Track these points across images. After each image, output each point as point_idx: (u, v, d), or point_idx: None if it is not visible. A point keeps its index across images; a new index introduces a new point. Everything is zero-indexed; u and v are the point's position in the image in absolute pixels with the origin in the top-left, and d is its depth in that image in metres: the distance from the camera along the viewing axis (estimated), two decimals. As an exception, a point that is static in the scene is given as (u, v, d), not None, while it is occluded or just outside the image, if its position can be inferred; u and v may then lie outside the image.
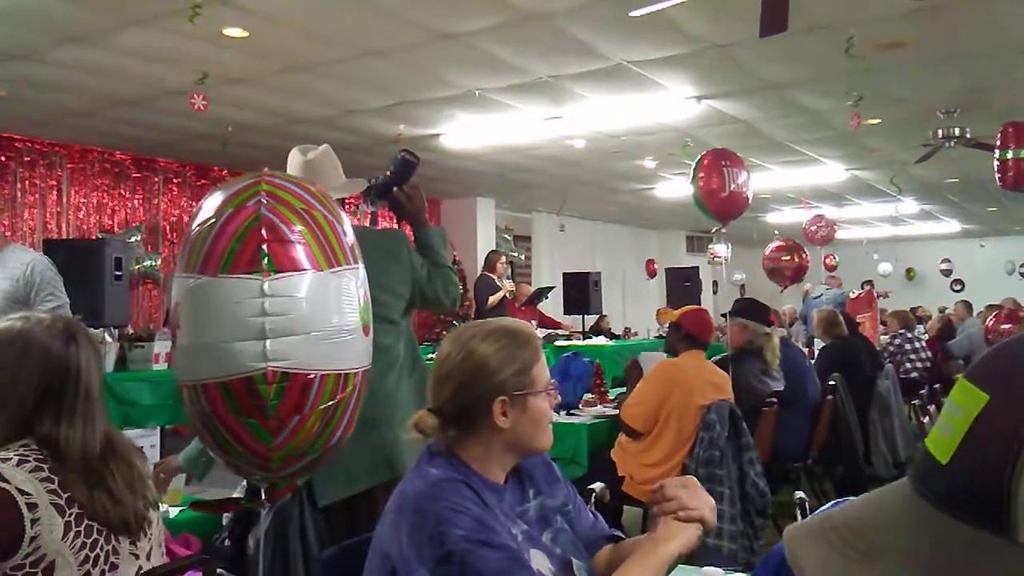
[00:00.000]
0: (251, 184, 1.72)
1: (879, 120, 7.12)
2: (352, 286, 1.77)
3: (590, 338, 8.81)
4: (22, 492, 1.47)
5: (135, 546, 1.63)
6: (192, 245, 1.71)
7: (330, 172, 2.52)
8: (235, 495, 2.42)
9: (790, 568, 1.70)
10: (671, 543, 1.47)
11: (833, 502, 1.84)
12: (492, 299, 7.88)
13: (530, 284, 10.79)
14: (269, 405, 1.65)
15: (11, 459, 1.51)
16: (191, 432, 2.59)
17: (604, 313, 10.46)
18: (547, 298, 9.20)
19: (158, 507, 1.76)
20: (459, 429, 1.57)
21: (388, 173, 2.68)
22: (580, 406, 4.63)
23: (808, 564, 0.67)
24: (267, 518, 1.86)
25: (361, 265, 1.83)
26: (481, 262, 9.95)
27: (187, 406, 1.77)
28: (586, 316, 9.52)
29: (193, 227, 1.73)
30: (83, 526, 1.52)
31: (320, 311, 1.69)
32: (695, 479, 1.56)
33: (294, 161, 2.56)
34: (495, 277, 8.20)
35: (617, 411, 4.23)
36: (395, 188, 2.67)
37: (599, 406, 4.63)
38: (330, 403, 1.70)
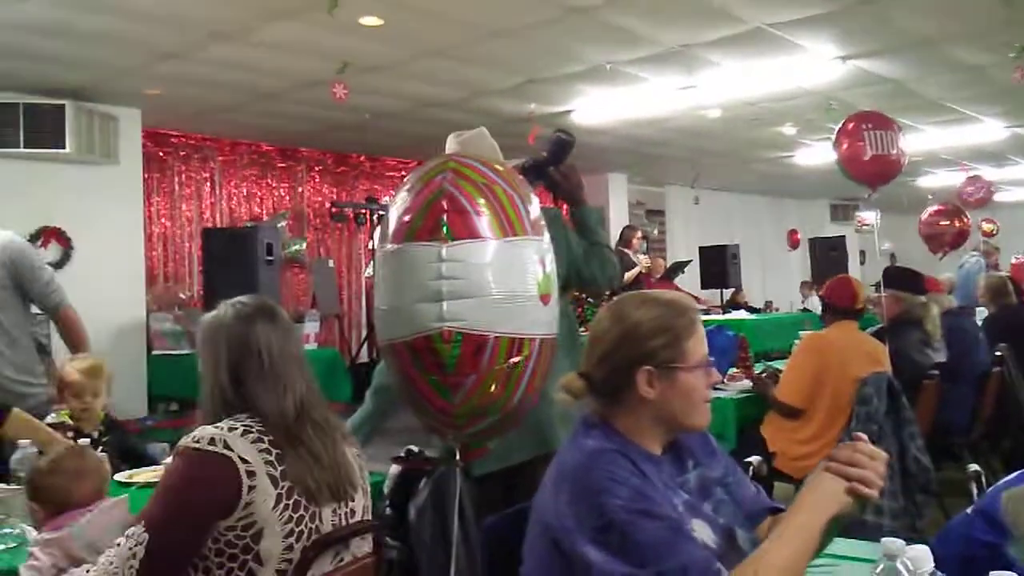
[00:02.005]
0: (441, 163, 1.88)
1: (1044, 71, 6.59)
2: (530, 256, 1.86)
3: (728, 312, 8.61)
4: (243, 460, 1.61)
5: (336, 515, 1.73)
6: (389, 218, 1.88)
7: (483, 153, 2.56)
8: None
9: (978, 539, 1.59)
10: (834, 507, 1.34)
11: (1020, 472, 1.72)
12: (628, 275, 7.83)
13: (664, 259, 10.63)
14: (448, 363, 1.76)
15: (237, 429, 1.65)
16: (343, 408, 2.72)
17: (740, 286, 10.20)
18: (684, 272, 9.06)
19: (365, 493, 1.87)
20: (606, 396, 1.56)
21: (544, 153, 2.72)
22: (726, 380, 4.52)
23: None
24: (427, 486, 1.93)
25: (545, 238, 1.91)
26: (614, 239, 9.87)
27: (387, 368, 1.95)
28: (724, 290, 9.32)
29: (393, 202, 1.90)
30: (292, 500, 1.64)
31: (494, 277, 1.79)
32: (885, 455, 1.41)
33: (449, 146, 2.64)
34: (630, 253, 8.14)
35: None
36: (551, 168, 2.69)
37: (746, 380, 4.51)
38: (505, 364, 1.77)
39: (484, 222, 1.80)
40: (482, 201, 1.81)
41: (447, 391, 1.78)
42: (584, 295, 10.28)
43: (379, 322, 1.89)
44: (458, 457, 1.92)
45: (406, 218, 1.83)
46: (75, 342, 3.44)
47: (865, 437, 1.42)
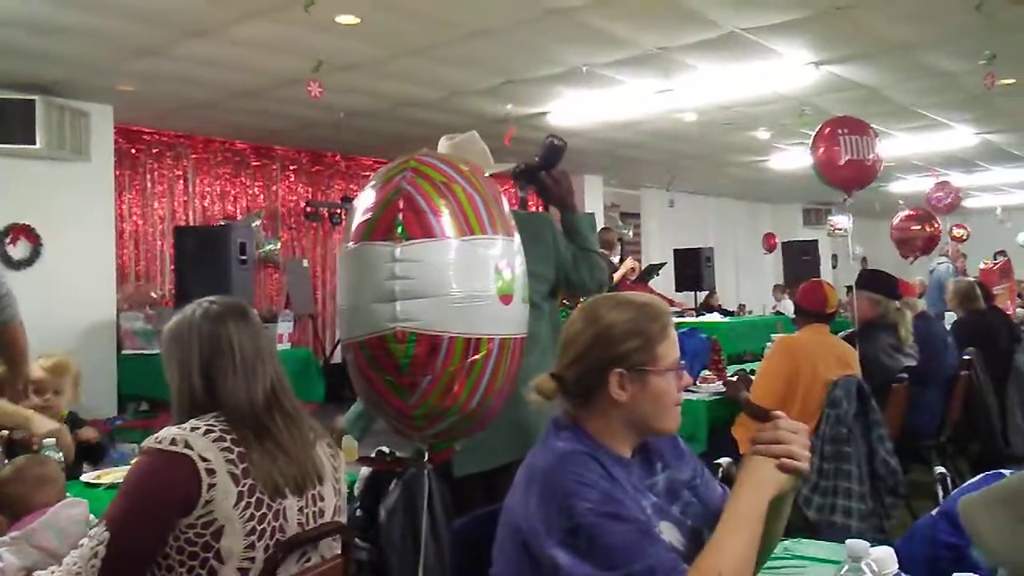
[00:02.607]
0: (403, 161, 1.87)
1: (1013, 80, 6.68)
2: (489, 256, 1.84)
3: (702, 315, 8.67)
4: (203, 458, 1.61)
5: (302, 513, 1.72)
6: (348, 219, 1.89)
7: (474, 156, 2.56)
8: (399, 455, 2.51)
9: (942, 541, 1.61)
10: (771, 488, 1.37)
11: (984, 475, 1.75)
12: (616, 276, 7.93)
13: (639, 261, 10.70)
14: (402, 364, 1.76)
15: (199, 428, 1.66)
16: (315, 408, 2.70)
17: (714, 289, 10.27)
18: (658, 275, 9.11)
19: (337, 492, 1.85)
20: (577, 397, 1.56)
21: (536, 158, 2.74)
22: (698, 383, 4.55)
23: (987, 533, 0.65)
24: (397, 488, 1.92)
25: (514, 239, 1.91)
26: (591, 240, 9.86)
27: (348, 367, 1.94)
28: (699, 293, 9.38)
29: (358, 200, 1.90)
30: (254, 498, 1.64)
31: (450, 277, 1.78)
32: (804, 425, 1.46)
33: (441, 148, 2.64)
34: (609, 254, 8.21)
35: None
36: (542, 172, 2.71)
37: (718, 383, 4.54)
38: (461, 365, 1.76)
39: (441, 222, 1.79)
40: (440, 201, 1.81)
41: (403, 392, 1.78)
42: (565, 298, 10.29)
43: (340, 321, 1.91)
44: (426, 458, 1.91)
45: (364, 217, 1.83)
46: (14, 359, 3.30)
47: (782, 414, 1.45)
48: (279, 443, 1.70)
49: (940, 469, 2.17)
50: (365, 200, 1.86)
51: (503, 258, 1.88)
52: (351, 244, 1.84)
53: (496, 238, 1.87)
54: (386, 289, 1.75)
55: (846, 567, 1.26)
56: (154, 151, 8.25)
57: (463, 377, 1.79)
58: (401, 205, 1.78)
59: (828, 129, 5.35)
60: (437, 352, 1.76)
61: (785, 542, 1.88)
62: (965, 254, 11.20)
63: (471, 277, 1.80)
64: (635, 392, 1.52)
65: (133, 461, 2.73)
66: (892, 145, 9.17)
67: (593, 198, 11.57)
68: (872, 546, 1.41)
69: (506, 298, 1.86)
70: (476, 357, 1.79)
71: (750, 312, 11.00)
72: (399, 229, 1.76)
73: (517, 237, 1.93)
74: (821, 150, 5.31)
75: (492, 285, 1.82)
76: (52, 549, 1.81)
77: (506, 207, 1.96)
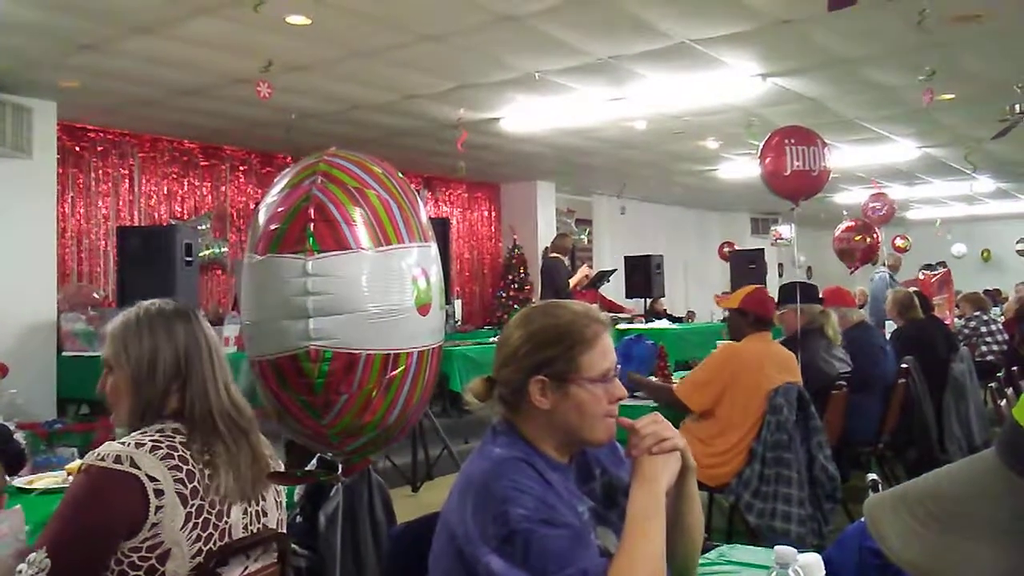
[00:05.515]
0: (311, 164, 1.75)
1: (953, 95, 6.89)
2: (406, 266, 1.76)
3: (652, 321, 8.76)
4: (151, 478, 1.52)
5: (247, 531, 1.66)
6: (254, 224, 1.77)
7: None
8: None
9: (867, 547, 1.65)
10: (661, 480, 1.45)
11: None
12: (572, 282, 8.00)
13: (590, 267, 10.77)
14: (316, 383, 1.67)
15: (145, 444, 1.56)
16: (259, 415, 2.65)
17: (663, 294, 10.38)
18: (608, 281, 9.18)
19: (278, 504, 1.78)
20: (507, 402, 1.56)
21: None
22: (643, 389, 4.58)
23: (890, 535, 0.66)
24: (337, 494, 1.89)
25: (422, 245, 1.83)
26: (541, 246, 9.95)
27: (257, 386, 1.83)
28: (648, 299, 9.48)
29: (259, 207, 1.77)
30: (202, 518, 1.57)
31: (365, 291, 1.69)
32: (659, 414, 1.54)
33: None
34: (565, 259, 8.28)
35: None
36: None
37: (662, 389, 4.58)
38: (379, 381, 1.69)
39: (355, 232, 1.69)
40: (353, 209, 1.70)
41: (317, 412, 1.69)
42: (507, 299, 10.34)
43: (244, 337, 1.79)
44: (340, 471, 1.85)
45: (272, 226, 1.71)
46: None
47: (629, 422, 1.52)
48: (231, 456, 1.62)
49: (872, 476, 2.22)
50: (271, 206, 1.73)
51: (419, 266, 1.79)
52: (256, 255, 1.71)
53: (412, 246, 1.78)
54: (298, 305, 1.65)
55: (774, 573, 1.29)
56: (99, 149, 8.07)
57: (381, 393, 1.71)
58: (312, 214, 1.66)
59: (776, 139, 5.42)
60: (354, 370, 1.67)
61: (721, 547, 1.91)
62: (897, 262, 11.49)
63: (388, 290, 1.71)
64: (556, 401, 1.50)
65: (72, 478, 2.65)
66: (836, 157, 9.31)
67: (545, 203, 11.62)
68: (805, 552, 1.44)
69: (424, 308, 1.78)
70: (395, 373, 1.71)
71: (698, 319, 11.14)
72: (310, 240, 1.65)
73: (434, 243, 1.87)
74: (769, 159, 5.39)
75: (410, 297, 1.74)
76: None
77: (423, 211, 1.89)
